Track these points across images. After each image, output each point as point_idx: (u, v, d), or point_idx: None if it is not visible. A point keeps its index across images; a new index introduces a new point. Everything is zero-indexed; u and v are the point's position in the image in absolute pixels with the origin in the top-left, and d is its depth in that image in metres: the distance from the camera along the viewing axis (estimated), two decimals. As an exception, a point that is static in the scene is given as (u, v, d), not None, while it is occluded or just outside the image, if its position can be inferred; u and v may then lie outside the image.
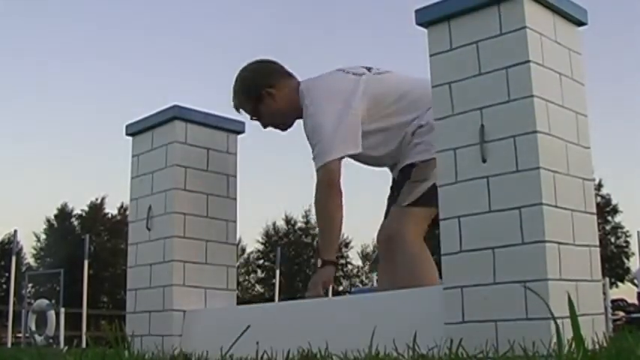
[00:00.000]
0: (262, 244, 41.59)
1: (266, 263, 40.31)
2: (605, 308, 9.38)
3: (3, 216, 48.25)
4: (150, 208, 3.48)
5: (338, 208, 3.03)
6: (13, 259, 10.98)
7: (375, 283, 20.29)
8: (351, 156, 3.09)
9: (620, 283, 31.75)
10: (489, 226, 2.20)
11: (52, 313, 11.00)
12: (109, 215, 38.36)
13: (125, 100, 48.44)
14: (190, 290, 3.34)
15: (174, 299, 3.31)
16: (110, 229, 37.42)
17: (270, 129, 3.41)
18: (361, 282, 36.92)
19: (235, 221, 3.55)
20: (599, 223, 2.68)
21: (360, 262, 41.02)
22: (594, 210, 2.36)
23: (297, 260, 40.00)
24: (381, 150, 3.16)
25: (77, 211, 38.28)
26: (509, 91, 2.23)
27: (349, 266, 40.95)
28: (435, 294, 2.33)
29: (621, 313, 19.87)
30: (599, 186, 32.05)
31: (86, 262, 10.84)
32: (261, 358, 2.14)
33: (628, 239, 32.26)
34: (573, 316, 1.00)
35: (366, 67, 3.21)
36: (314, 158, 3.02)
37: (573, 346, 1.12)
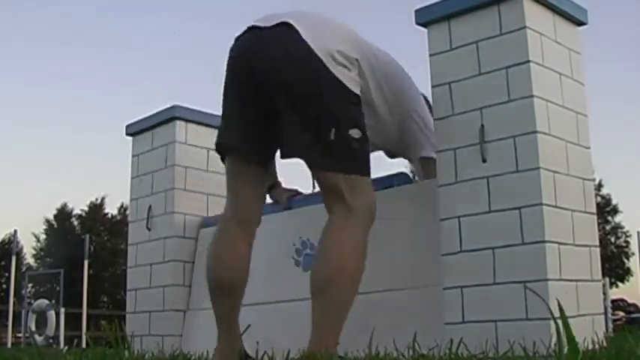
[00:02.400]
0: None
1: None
2: (605, 308, 9.37)
3: (3, 216, 48.30)
4: (150, 208, 3.48)
5: None
6: (13, 259, 10.98)
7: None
8: None
9: (620, 283, 31.76)
10: (489, 226, 2.20)
11: (52, 313, 10.98)
12: (109, 215, 38.36)
13: (125, 100, 48.48)
14: (190, 290, 3.35)
15: (175, 299, 3.32)
16: (110, 229, 37.40)
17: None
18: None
19: (235, 221, 3.55)
20: (599, 223, 2.68)
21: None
22: (594, 210, 2.36)
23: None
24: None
25: (77, 211, 38.32)
26: (509, 91, 2.23)
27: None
28: (435, 294, 2.33)
29: (621, 313, 19.88)
30: (599, 186, 32.03)
31: (86, 262, 10.84)
32: (261, 358, 2.14)
33: (628, 239, 32.25)
34: (564, 320, 1.01)
35: None
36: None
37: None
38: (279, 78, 2.09)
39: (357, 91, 2.15)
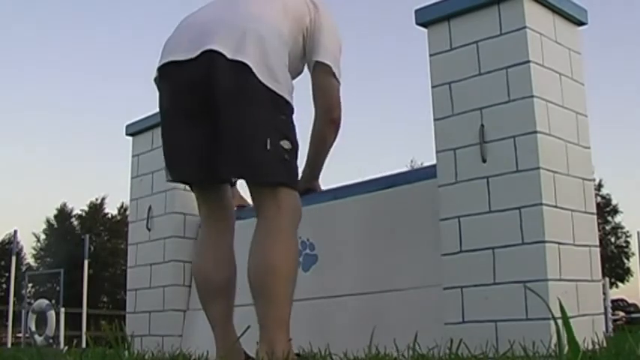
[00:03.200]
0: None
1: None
2: (605, 308, 9.38)
3: (3, 216, 48.32)
4: (150, 208, 3.48)
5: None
6: (13, 259, 11.00)
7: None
8: None
9: (620, 283, 31.79)
10: (489, 226, 2.20)
11: (52, 313, 10.98)
12: (109, 215, 38.39)
13: (125, 100, 48.49)
14: (190, 290, 3.35)
15: (175, 299, 3.32)
16: (110, 229, 37.44)
17: None
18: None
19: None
20: (599, 223, 2.68)
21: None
22: (594, 210, 2.36)
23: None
24: None
25: (77, 211, 38.35)
26: (509, 91, 2.23)
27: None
28: (435, 294, 2.33)
29: (621, 313, 19.92)
30: (599, 186, 32.06)
31: (86, 262, 10.85)
32: (262, 358, 2.14)
33: (628, 239, 32.31)
34: (565, 319, 1.01)
35: None
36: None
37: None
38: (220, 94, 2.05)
39: (289, 98, 2.10)
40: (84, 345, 8.33)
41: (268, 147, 2.01)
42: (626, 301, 22.98)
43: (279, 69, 2.09)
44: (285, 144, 2.04)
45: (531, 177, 2.14)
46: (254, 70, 2.02)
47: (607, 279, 12.21)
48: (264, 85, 2.03)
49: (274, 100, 2.05)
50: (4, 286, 33.68)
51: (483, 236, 2.21)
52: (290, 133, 2.09)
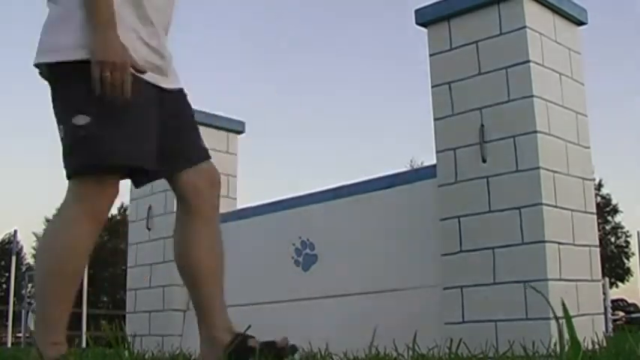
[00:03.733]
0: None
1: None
2: (605, 308, 9.38)
3: (3, 216, 48.33)
4: (150, 208, 3.48)
5: None
6: (13, 259, 11.00)
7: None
8: None
9: (620, 283, 31.79)
10: (489, 226, 2.20)
11: (52, 313, 10.98)
12: (109, 215, 38.45)
13: (125, 100, 48.36)
14: (190, 290, 3.35)
15: (174, 299, 3.32)
16: (110, 229, 37.46)
17: None
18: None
19: (235, 221, 3.55)
20: (599, 223, 2.68)
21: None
22: (594, 210, 2.37)
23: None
24: None
25: (77, 211, 38.31)
26: (509, 91, 2.23)
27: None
28: (435, 294, 2.33)
29: (621, 313, 19.89)
30: (599, 186, 32.06)
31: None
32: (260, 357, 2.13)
33: (628, 239, 32.30)
34: (568, 318, 1.00)
35: None
36: None
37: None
38: None
39: (80, 54, 1.66)
40: (84, 345, 8.32)
41: (62, 135, 1.71)
42: (626, 301, 22.95)
43: (57, 33, 1.70)
44: (78, 119, 1.65)
45: (531, 177, 2.14)
46: (36, 61, 1.71)
47: (607, 279, 12.21)
48: (45, 64, 1.70)
49: (60, 75, 1.70)
50: (4, 286, 33.67)
51: (483, 236, 2.21)
52: (82, 103, 1.67)
